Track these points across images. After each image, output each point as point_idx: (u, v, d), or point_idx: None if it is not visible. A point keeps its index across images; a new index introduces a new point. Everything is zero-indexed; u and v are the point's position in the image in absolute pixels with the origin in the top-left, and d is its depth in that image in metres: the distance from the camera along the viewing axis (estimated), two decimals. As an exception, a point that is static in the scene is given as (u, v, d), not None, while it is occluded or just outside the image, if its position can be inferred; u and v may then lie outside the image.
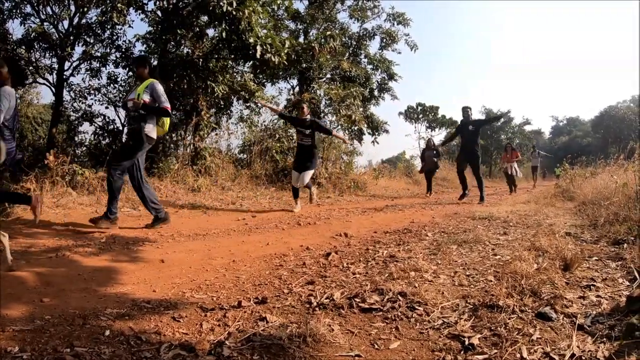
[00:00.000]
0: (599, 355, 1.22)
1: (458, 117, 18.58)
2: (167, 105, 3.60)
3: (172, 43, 7.28)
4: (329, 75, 11.51)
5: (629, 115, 32.55)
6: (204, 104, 7.34)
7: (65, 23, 8.08)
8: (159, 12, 7.63)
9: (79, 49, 8.40)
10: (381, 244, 3.02)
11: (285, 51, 6.72)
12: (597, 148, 28.13)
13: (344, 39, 11.88)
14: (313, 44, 9.15)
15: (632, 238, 2.65)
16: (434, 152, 9.56)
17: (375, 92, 12.93)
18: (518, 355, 1.25)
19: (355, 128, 10.84)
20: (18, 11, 7.81)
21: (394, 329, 1.50)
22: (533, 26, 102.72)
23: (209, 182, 6.83)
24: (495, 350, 1.29)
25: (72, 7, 7.84)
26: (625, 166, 5.42)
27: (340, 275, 2.18)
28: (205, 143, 7.64)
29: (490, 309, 1.59)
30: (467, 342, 1.34)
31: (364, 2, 12.39)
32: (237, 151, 9.22)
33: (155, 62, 6.89)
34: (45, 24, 7.96)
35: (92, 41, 8.33)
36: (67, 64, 8.23)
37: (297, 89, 11.47)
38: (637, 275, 1.83)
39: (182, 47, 7.50)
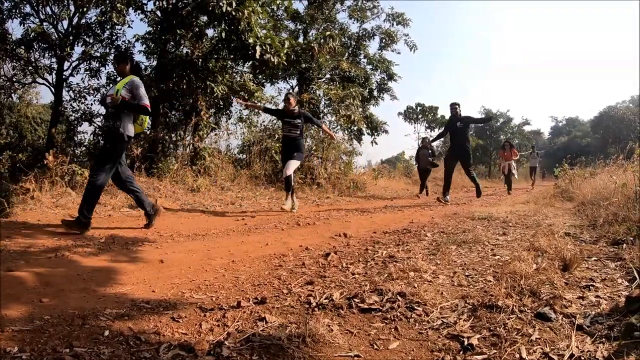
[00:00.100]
0: (598, 355, 1.22)
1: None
2: (147, 102, 3.47)
3: (172, 43, 7.27)
4: (328, 76, 11.53)
5: (628, 115, 32.65)
6: (203, 104, 7.34)
7: (65, 23, 8.09)
8: (158, 12, 7.64)
9: (78, 49, 8.42)
10: (380, 244, 3.02)
11: (285, 51, 6.74)
12: (597, 148, 28.24)
13: (343, 39, 11.90)
14: (312, 44, 9.16)
15: (631, 238, 2.64)
16: (429, 151, 9.50)
17: (375, 93, 12.97)
18: (517, 356, 1.25)
19: (355, 128, 10.87)
20: (17, 11, 7.81)
21: (393, 329, 1.50)
22: (533, 26, 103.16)
23: (208, 183, 6.82)
24: (495, 351, 1.29)
25: (72, 7, 7.84)
26: (625, 166, 5.41)
27: (340, 276, 2.18)
28: (204, 143, 7.63)
29: (489, 309, 1.59)
30: (466, 343, 1.34)
31: (364, 2, 12.42)
32: (237, 151, 9.22)
33: (155, 62, 6.89)
34: (44, 24, 7.96)
35: (91, 41, 8.33)
36: (66, 64, 8.25)
37: (296, 89, 11.47)
38: (636, 275, 1.83)
39: (181, 47, 7.50)
